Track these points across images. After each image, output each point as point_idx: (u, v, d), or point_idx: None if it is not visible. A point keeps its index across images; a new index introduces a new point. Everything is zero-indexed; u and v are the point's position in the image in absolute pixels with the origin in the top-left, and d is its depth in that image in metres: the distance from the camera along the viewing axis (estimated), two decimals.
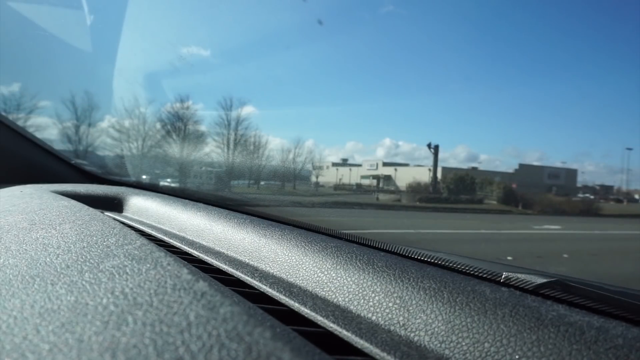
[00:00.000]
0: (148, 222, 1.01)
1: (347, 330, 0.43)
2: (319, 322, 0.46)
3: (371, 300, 0.49)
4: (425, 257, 0.62)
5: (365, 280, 0.52)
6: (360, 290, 0.51)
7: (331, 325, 0.45)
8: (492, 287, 0.47)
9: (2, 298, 0.38)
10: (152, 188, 1.46)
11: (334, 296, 0.53)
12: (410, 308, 0.46)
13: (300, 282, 0.58)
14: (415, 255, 0.63)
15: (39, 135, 2.04)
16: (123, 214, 1.14)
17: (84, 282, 0.40)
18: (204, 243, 0.80)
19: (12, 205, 0.86)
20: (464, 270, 0.56)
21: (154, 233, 0.87)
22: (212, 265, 0.66)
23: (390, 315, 0.46)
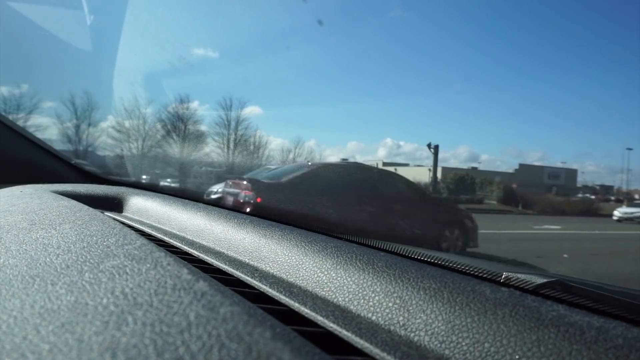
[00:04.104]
0: (148, 222, 1.01)
1: (347, 330, 0.43)
2: (319, 322, 0.46)
3: (371, 300, 0.49)
4: (425, 257, 0.62)
5: (365, 280, 0.52)
6: (360, 290, 0.51)
7: (331, 325, 0.45)
8: (492, 287, 0.47)
9: (2, 298, 0.38)
10: (152, 188, 1.46)
11: (334, 296, 0.53)
12: (410, 308, 0.46)
13: (300, 282, 0.58)
14: (415, 255, 0.63)
15: (39, 135, 2.04)
16: (123, 214, 1.14)
17: (84, 282, 0.40)
18: (204, 243, 0.80)
19: (12, 205, 0.85)
20: (464, 270, 0.56)
21: (154, 233, 0.87)
22: (212, 265, 0.66)
23: (390, 315, 0.46)
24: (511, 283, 0.51)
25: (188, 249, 0.75)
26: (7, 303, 0.37)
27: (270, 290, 0.54)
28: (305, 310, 0.48)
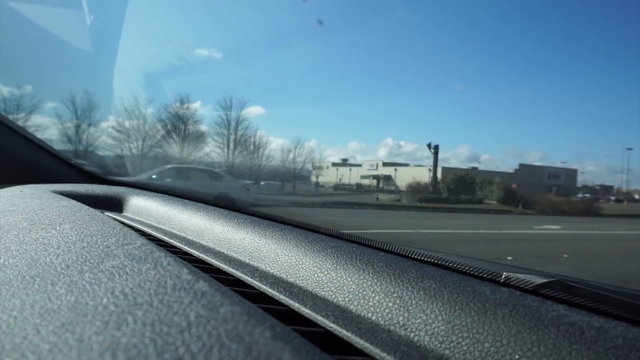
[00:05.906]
0: (148, 222, 1.01)
1: (347, 330, 0.43)
2: (319, 322, 0.46)
3: (371, 300, 0.49)
4: (425, 257, 0.62)
5: (365, 280, 0.52)
6: (360, 290, 0.51)
7: (331, 325, 0.45)
8: (492, 287, 0.47)
9: (2, 298, 0.38)
10: (152, 188, 1.46)
11: (334, 296, 0.53)
12: (410, 308, 0.46)
13: (300, 282, 0.58)
14: (415, 255, 0.63)
15: (39, 135, 2.04)
16: (123, 214, 1.14)
17: (84, 282, 0.40)
18: (204, 243, 0.80)
19: (12, 205, 0.85)
20: (464, 270, 0.56)
21: (154, 233, 0.87)
22: (212, 265, 0.66)
23: (390, 315, 0.46)
24: (511, 283, 0.51)
25: (188, 249, 0.75)
26: (7, 303, 0.37)
27: (270, 290, 0.54)
28: (305, 310, 0.48)
